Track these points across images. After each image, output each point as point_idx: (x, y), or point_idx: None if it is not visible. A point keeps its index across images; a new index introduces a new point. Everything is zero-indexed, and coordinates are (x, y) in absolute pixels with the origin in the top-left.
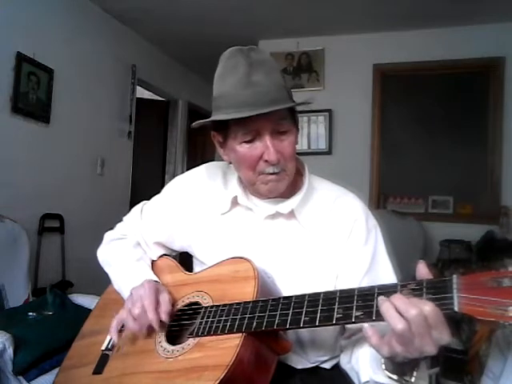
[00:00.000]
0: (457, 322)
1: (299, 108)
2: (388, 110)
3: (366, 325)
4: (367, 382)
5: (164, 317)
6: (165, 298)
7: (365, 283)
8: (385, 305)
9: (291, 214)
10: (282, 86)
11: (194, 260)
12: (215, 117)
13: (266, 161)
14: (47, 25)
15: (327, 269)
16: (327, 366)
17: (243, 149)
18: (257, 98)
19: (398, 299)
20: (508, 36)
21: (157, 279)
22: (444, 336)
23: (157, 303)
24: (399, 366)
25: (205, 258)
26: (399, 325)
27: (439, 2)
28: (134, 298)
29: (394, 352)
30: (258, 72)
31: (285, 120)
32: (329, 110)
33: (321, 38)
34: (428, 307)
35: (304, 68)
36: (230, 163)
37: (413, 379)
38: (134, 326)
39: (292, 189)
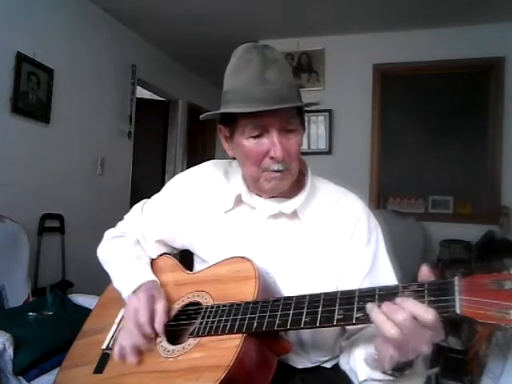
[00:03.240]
0: (457, 322)
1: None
2: (388, 110)
3: (364, 357)
4: (365, 380)
5: (158, 328)
6: (160, 308)
7: (366, 284)
8: (374, 312)
9: (294, 214)
10: (292, 85)
11: (195, 258)
12: (225, 109)
13: (272, 158)
14: (47, 25)
15: (329, 269)
16: (328, 365)
17: (250, 144)
18: (268, 95)
19: (385, 305)
20: (508, 36)
21: (155, 278)
22: (438, 334)
23: (152, 314)
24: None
25: (206, 255)
26: (391, 331)
27: (439, 2)
28: (129, 311)
29: (394, 361)
30: (271, 70)
31: (293, 119)
32: (329, 110)
33: (321, 38)
34: (423, 311)
35: (304, 68)
36: (234, 158)
37: (407, 371)
38: (135, 342)
39: (295, 188)
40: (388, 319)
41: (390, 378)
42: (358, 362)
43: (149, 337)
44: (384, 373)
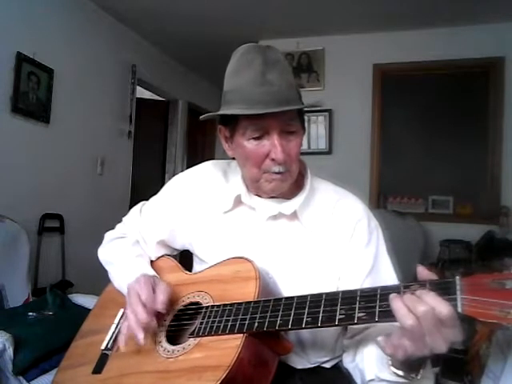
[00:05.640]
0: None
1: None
2: (388, 110)
3: (379, 338)
4: (372, 380)
5: (160, 307)
6: (161, 288)
7: (367, 284)
8: (396, 302)
9: (294, 215)
10: (293, 86)
11: (195, 258)
12: (226, 111)
13: (273, 159)
14: (47, 25)
15: (329, 270)
16: (327, 365)
17: (251, 145)
18: (270, 97)
19: (407, 297)
20: (508, 36)
21: (155, 274)
22: (456, 334)
23: (154, 294)
24: (406, 363)
25: (206, 256)
26: (409, 321)
27: (439, 2)
28: (131, 294)
29: (407, 353)
30: (272, 71)
31: (294, 121)
32: (329, 110)
33: (321, 38)
34: (440, 304)
35: (304, 68)
36: (234, 158)
37: (419, 376)
38: (141, 319)
39: (294, 189)
40: (409, 311)
41: (400, 379)
42: (366, 360)
43: (153, 316)
44: (395, 373)
